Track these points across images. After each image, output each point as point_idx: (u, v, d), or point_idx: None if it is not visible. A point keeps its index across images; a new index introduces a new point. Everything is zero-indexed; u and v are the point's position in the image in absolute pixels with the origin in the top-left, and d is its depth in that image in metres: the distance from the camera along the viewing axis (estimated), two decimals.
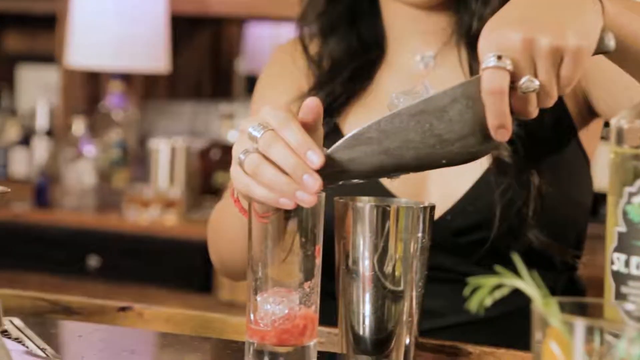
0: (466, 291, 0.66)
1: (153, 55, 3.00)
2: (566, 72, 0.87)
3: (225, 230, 1.27)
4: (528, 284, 0.63)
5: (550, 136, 1.27)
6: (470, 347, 1.05)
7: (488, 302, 0.65)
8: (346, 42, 1.35)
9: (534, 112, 0.89)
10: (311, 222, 0.92)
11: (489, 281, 0.65)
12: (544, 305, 0.63)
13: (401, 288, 1.01)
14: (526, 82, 0.86)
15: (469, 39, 1.28)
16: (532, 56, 0.87)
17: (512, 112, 0.88)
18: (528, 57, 0.87)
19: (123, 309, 1.19)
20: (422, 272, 1.02)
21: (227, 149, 3.06)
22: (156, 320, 1.18)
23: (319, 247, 0.93)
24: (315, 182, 0.89)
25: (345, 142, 0.91)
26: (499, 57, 0.86)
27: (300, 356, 0.92)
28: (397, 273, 1.01)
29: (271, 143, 0.90)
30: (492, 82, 0.85)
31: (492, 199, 1.22)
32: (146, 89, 3.37)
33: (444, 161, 0.92)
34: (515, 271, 1.25)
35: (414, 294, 1.01)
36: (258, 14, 3.12)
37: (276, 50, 1.45)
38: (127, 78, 3.21)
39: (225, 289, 2.66)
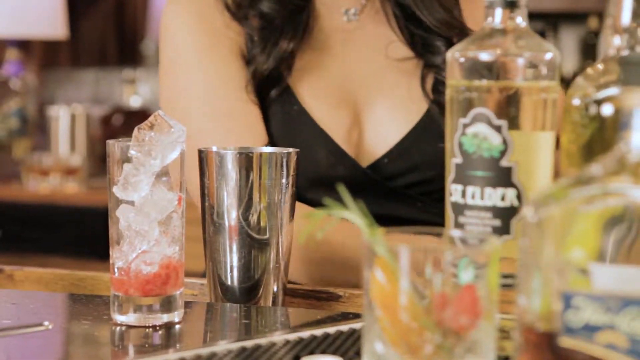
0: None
1: (49, 22, 2.93)
2: None
3: None
4: (355, 214, 0.62)
5: None
6: (340, 291, 1.05)
7: (320, 235, 0.64)
8: None
9: None
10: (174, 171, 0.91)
11: (317, 213, 0.64)
12: (369, 234, 0.62)
13: (267, 236, 0.99)
14: None
15: None
16: None
17: None
18: None
19: None
20: (289, 218, 1.01)
21: (129, 115, 3.01)
22: (27, 281, 1.15)
23: (181, 197, 0.91)
24: None
25: None
26: None
27: (165, 307, 0.91)
28: (262, 221, 0.99)
29: None
30: None
31: (430, 143, 1.24)
32: (47, 56, 3.29)
33: None
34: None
35: (281, 240, 1.00)
36: None
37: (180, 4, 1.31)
38: (25, 45, 3.13)
39: None
